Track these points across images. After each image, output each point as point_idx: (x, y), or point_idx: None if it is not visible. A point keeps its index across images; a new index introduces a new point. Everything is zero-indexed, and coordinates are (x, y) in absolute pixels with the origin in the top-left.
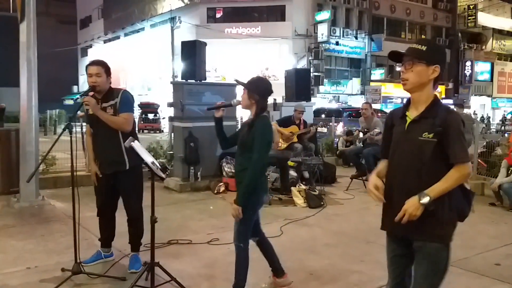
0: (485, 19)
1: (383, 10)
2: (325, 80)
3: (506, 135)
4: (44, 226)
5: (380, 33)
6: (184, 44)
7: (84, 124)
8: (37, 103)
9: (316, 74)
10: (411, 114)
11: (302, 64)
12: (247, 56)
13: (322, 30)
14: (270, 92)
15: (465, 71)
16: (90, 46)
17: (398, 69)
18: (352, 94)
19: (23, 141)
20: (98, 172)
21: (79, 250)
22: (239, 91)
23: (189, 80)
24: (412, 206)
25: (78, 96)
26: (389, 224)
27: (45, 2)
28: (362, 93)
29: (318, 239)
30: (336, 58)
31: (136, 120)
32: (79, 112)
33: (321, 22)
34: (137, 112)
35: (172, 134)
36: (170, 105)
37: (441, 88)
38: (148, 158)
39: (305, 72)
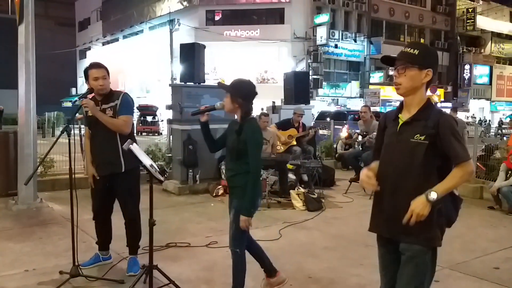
0: (484, 22)
1: (382, 13)
2: (324, 83)
3: (505, 138)
4: (42, 229)
5: (379, 36)
6: (183, 46)
7: (82, 126)
8: (35, 105)
9: (315, 77)
10: (404, 117)
11: (301, 67)
12: (246, 59)
13: (321, 33)
14: (253, 95)
15: (464, 75)
16: (89, 49)
17: (391, 73)
18: (351, 97)
19: (21, 143)
20: (96, 174)
21: (77, 253)
22: None
23: (188, 83)
24: (420, 205)
25: (76, 98)
26: (376, 225)
27: (44, 4)
28: (361, 96)
29: (317, 242)
30: (335, 61)
31: (135, 122)
32: (77, 115)
33: (320, 25)
34: (135, 114)
35: (171, 136)
36: (168, 107)
37: (440, 91)
38: (146, 160)
39: (304, 75)
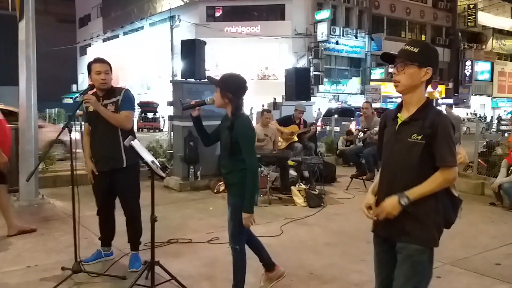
0: (485, 18)
1: (383, 9)
2: (325, 80)
3: (506, 135)
4: (43, 225)
5: (380, 32)
6: (184, 43)
7: (83, 123)
8: (36, 101)
9: (316, 73)
10: (403, 116)
11: (302, 63)
12: (246, 55)
13: (322, 29)
14: (243, 90)
15: (465, 71)
16: (89, 45)
17: (390, 70)
18: (352, 94)
19: (22, 140)
20: (95, 170)
21: (79, 249)
22: None
23: (188, 79)
24: (390, 205)
25: (77, 94)
26: (375, 225)
27: (44, 0)
28: (362, 92)
29: (318, 238)
30: (336, 58)
31: (136, 119)
32: (78, 111)
33: (321, 21)
34: (136, 111)
35: (172, 133)
36: (169, 104)
37: (441, 88)
38: (148, 157)
39: (305, 71)
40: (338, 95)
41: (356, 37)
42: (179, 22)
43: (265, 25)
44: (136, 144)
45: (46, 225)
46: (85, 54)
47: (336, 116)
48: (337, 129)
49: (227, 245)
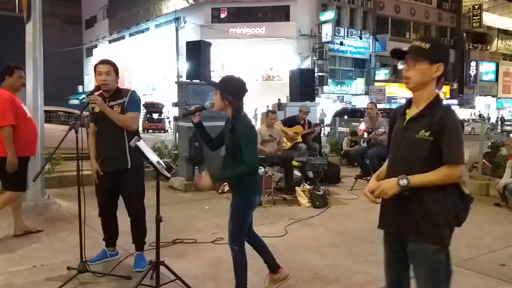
0: (490, 19)
1: (388, 10)
2: (330, 80)
3: (511, 135)
4: (49, 225)
5: (385, 33)
6: (189, 44)
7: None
8: (42, 102)
9: (320, 74)
10: (412, 112)
11: (307, 64)
12: (251, 56)
13: (327, 30)
14: (243, 91)
15: (470, 71)
16: (95, 46)
17: (400, 67)
18: (357, 94)
19: None
20: (99, 170)
21: (85, 249)
22: None
23: (194, 80)
24: (388, 184)
25: (84, 95)
26: (384, 222)
27: (51, 2)
28: (367, 93)
29: (322, 239)
30: (340, 58)
31: (141, 120)
32: (84, 112)
33: (325, 22)
34: (142, 112)
35: (177, 134)
36: (175, 105)
37: (446, 88)
38: (153, 157)
39: (309, 72)
40: (343, 96)
41: (361, 38)
42: (185, 23)
43: (269, 26)
44: (141, 144)
45: (52, 225)
46: (91, 55)
47: (345, 117)
48: (346, 129)
49: None
